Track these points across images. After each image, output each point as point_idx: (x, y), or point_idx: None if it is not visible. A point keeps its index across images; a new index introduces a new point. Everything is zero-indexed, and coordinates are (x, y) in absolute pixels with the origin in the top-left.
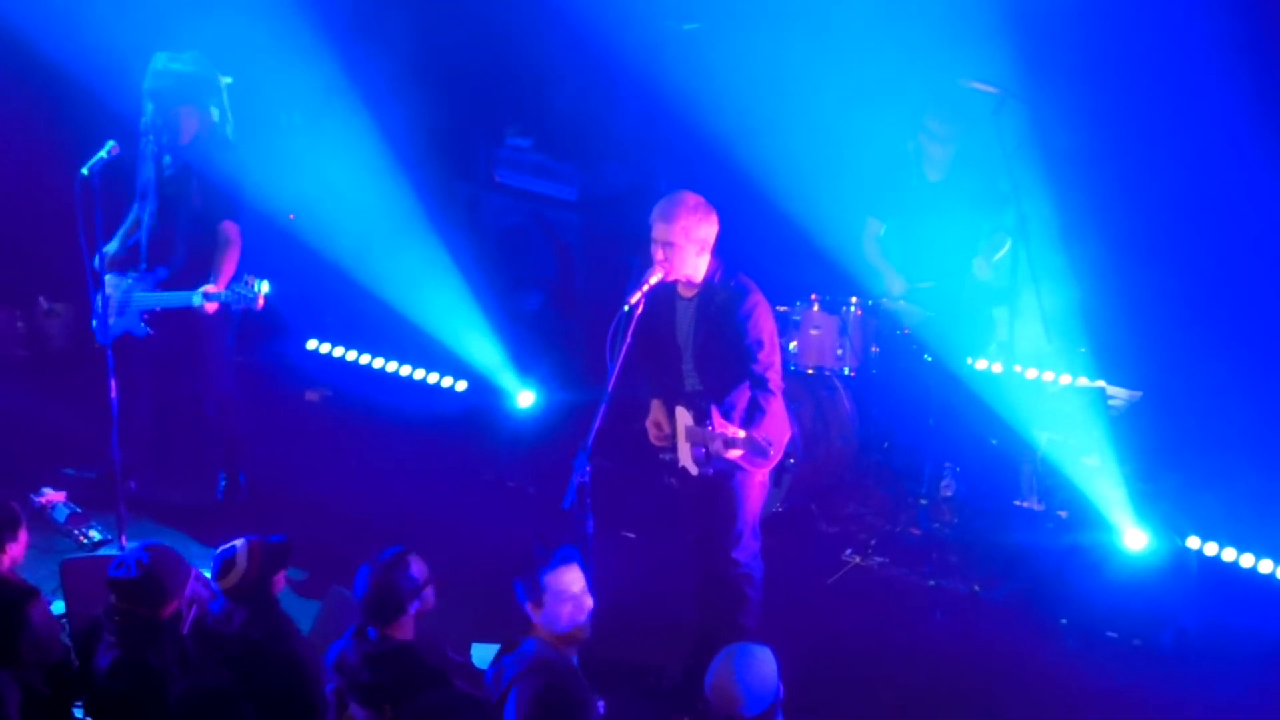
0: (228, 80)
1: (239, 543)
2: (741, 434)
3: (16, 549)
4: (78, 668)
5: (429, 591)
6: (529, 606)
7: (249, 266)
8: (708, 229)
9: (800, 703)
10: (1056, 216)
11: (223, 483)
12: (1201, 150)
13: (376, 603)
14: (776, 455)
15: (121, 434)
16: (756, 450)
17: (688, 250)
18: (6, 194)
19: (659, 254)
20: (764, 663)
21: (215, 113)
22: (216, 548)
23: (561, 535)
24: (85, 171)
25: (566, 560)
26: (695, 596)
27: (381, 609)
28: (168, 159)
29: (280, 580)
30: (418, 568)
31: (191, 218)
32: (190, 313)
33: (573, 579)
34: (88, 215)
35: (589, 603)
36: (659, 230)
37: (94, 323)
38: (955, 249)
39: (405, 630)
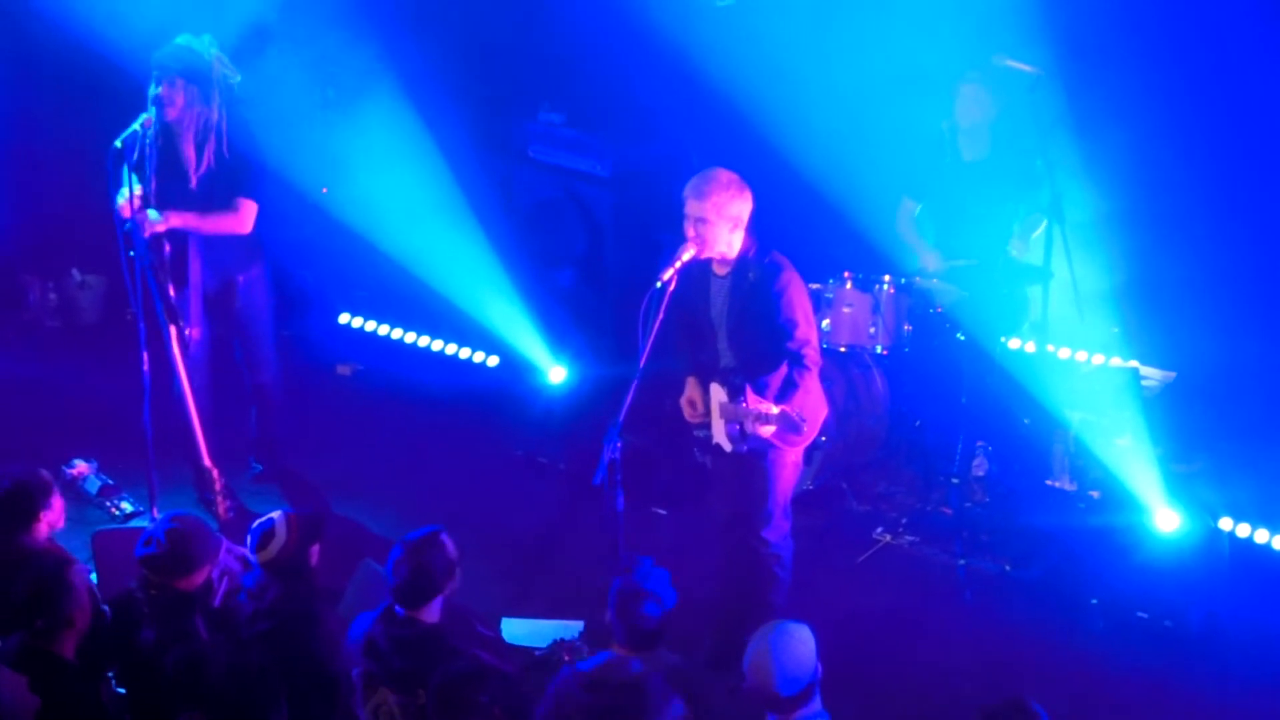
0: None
1: (276, 515)
2: (775, 410)
3: (53, 516)
4: (114, 638)
5: (457, 572)
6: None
7: (283, 239)
8: (741, 206)
9: (829, 680)
10: (1091, 196)
11: (257, 464)
12: (1236, 129)
13: (411, 587)
14: (812, 432)
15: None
16: (790, 426)
17: (720, 227)
18: (40, 167)
19: (691, 230)
20: (802, 642)
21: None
22: (252, 522)
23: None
24: (118, 144)
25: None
26: (724, 575)
27: (416, 593)
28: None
29: (316, 552)
30: (450, 548)
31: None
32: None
33: None
34: (120, 188)
35: None
36: (692, 206)
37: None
38: (991, 229)
39: (433, 612)
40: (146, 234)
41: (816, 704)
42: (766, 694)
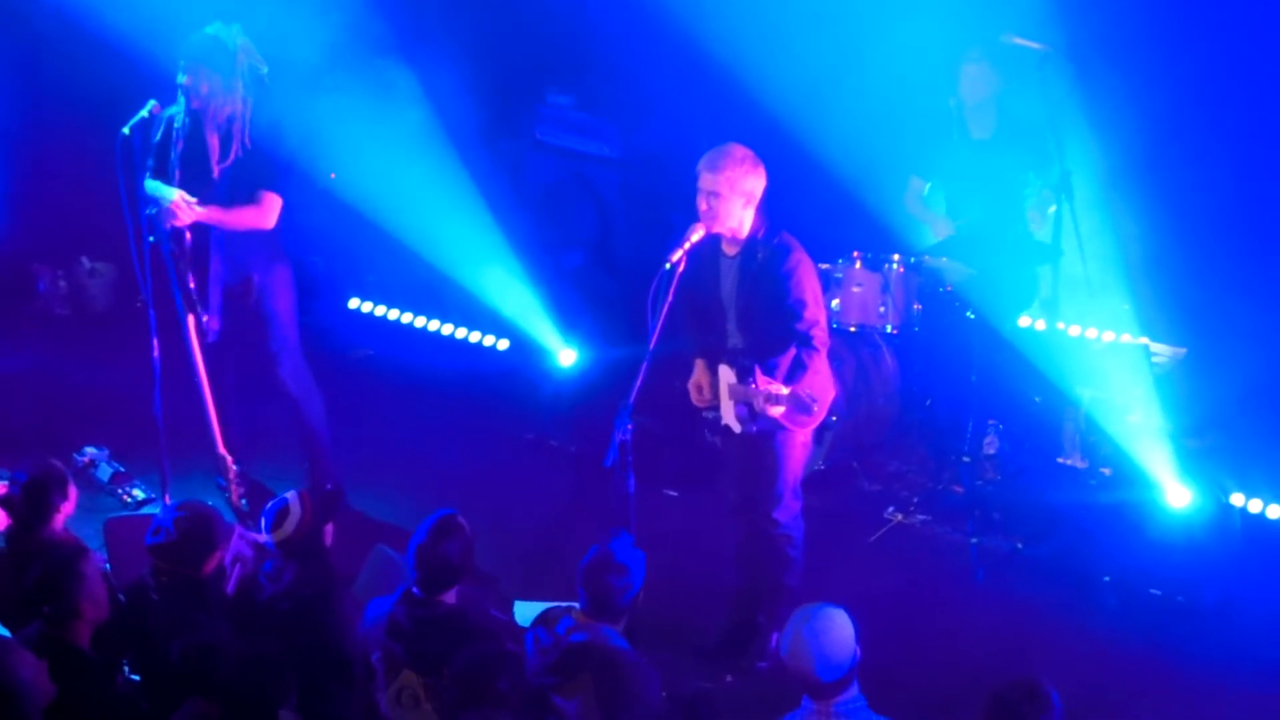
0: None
1: (289, 494)
2: (785, 390)
3: (68, 506)
4: (127, 626)
5: (472, 556)
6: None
7: (292, 225)
8: (754, 182)
9: None
10: (1101, 172)
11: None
12: (1246, 105)
13: (432, 573)
14: (821, 413)
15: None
16: (800, 406)
17: (733, 202)
18: (49, 154)
19: (704, 204)
20: (841, 627)
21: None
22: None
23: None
24: (126, 131)
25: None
26: (736, 556)
27: (437, 579)
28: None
29: (330, 532)
30: (468, 530)
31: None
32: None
33: None
34: (129, 175)
35: None
36: (706, 180)
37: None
38: (1000, 206)
39: (452, 593)
40: (169, 226)
41: (855, 689)
42: (807, 680)
